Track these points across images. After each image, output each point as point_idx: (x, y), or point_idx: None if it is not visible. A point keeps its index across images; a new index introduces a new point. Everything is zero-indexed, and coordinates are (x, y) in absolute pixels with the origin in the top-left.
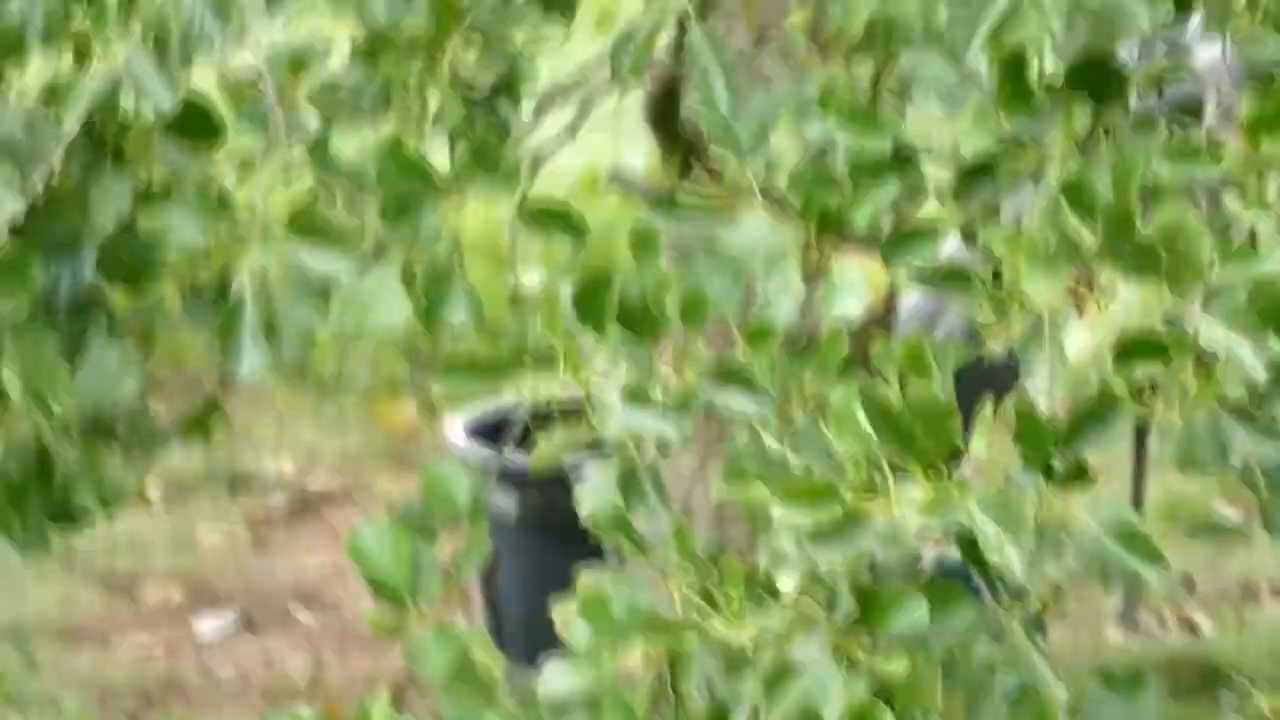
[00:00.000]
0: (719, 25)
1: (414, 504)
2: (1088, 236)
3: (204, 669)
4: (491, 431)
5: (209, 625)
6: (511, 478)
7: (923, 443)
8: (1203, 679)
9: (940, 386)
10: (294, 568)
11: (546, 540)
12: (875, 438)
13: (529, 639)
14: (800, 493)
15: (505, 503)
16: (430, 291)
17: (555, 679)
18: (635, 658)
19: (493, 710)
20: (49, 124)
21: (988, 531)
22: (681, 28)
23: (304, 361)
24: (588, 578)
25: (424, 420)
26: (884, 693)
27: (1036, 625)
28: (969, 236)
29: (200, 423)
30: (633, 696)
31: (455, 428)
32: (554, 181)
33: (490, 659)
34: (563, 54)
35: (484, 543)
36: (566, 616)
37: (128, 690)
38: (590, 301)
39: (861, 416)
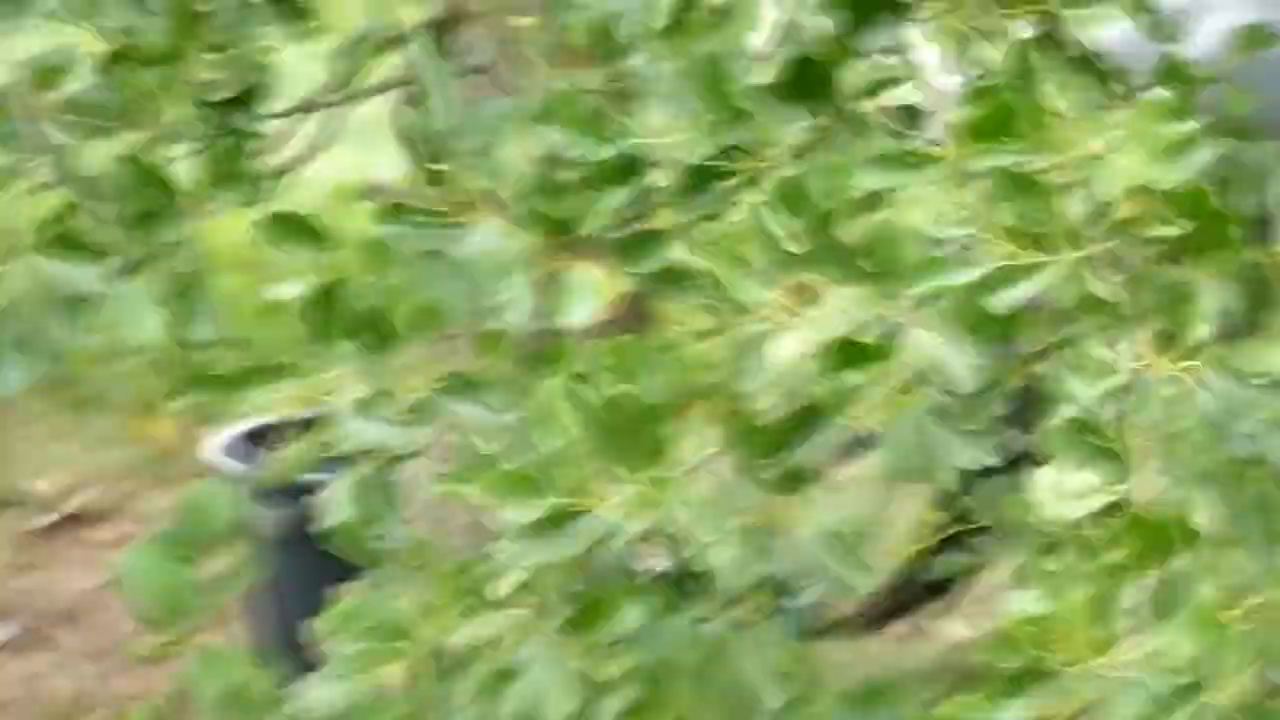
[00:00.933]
0: (467, 34)
1: (173, 525)
2: (796, 242)
3: None
4: (257, 445)
5: None
6: (271, 493)
7: (628, 443)
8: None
9: (648, 387)
10: (56, 587)
11: (306, 555)
12: (580, 437)
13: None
14: (506, 487)
15: (265, 518)
16: (176, 306)
17: (310, 695)
18: (395, 670)
19: None
20: None
21: (693, 533)
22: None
23: (60, 377)
24: (344, 592)
25: (185, 436)
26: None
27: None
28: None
29: None
30: (387, 710)
31: (219, 443)
32: (312, 193)
33: (260, 679)
34: (313, 63)
35: (245, 561)
36: (324, 631)
37: None
38: (319, 313)
39: (567, 415)
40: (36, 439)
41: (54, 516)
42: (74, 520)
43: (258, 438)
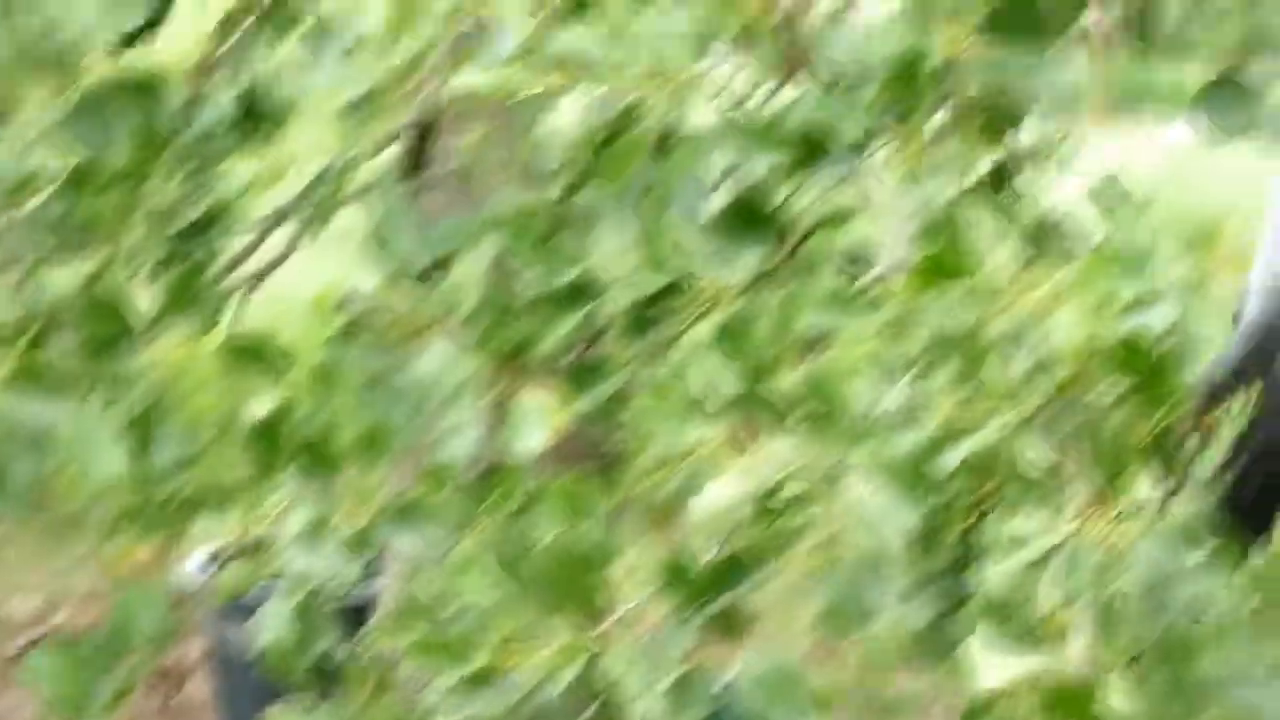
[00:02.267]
0: (440, 149)
1: (102, 630)
2: (734, 384)
3: None
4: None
5: None
6: (229, 611)
7: (562, 591)
8: None
9: (593, 529)
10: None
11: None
12: (510, 589)
13: None
14: (435, 649)
15: (237, 634)
16: (135, 435)
17: None
18: None
19: None
20: None
21: (626, 683)
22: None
23: (33, 503)
24: (272, 714)
25: (159, 556)
26: None
27: None
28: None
29: None
30: None
31: (191, 562)
32: (281, 305)
33: None
34: (278, 181)
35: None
36: None
37: None
38: (265, 439)
39: (494, 570)
40: (16, 563)
41: (28, 638)
42: (46, 639)
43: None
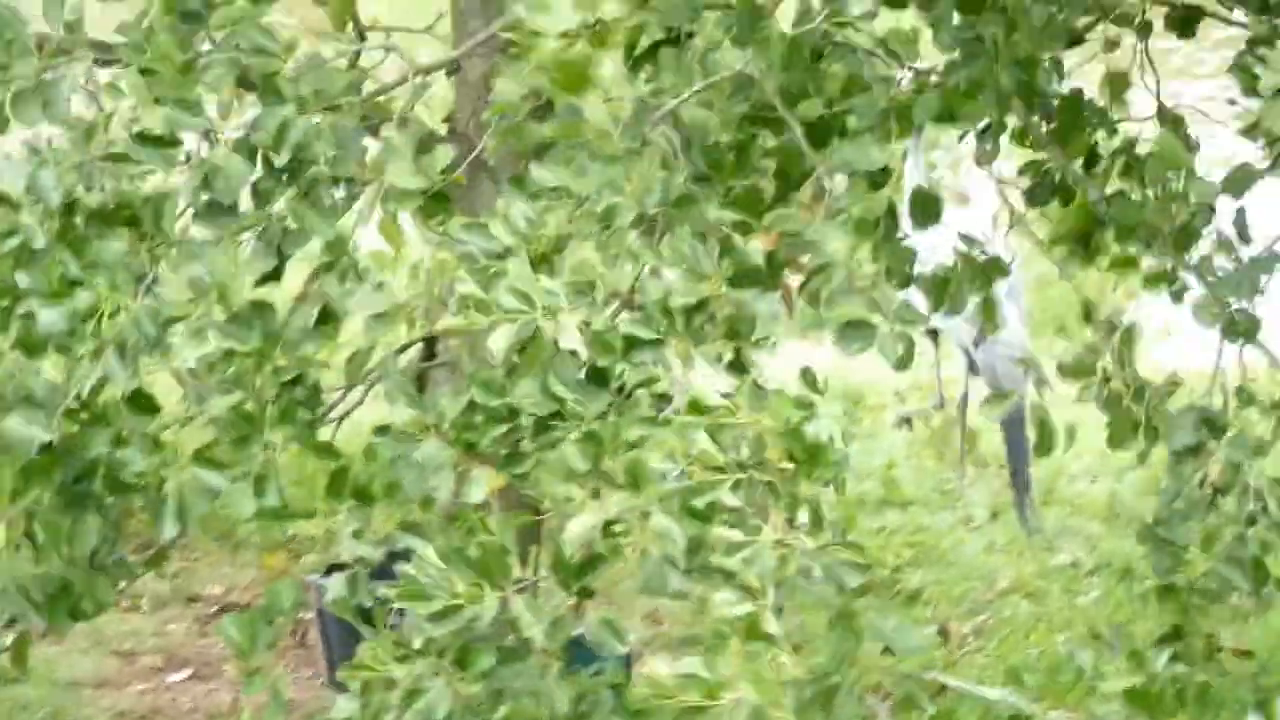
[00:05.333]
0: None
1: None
2: (589, 462)
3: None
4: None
5: (175, 677)
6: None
7: (490, 568)
8: None
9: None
10: (215, 647)
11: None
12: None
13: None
14: (416, 596)
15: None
16: (256, 490)
17: (340, 706)
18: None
19: None
20: (60, 393)
21: (523, 619)
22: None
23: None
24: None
25: (290, 560)
26: None
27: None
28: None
29: (155, 561)
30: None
31: (311, 568)
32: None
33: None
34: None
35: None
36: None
37: (132, 714)
38: (335, 487)
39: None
40: (209, 564)
41: (216, 608)
42: (228, 609)
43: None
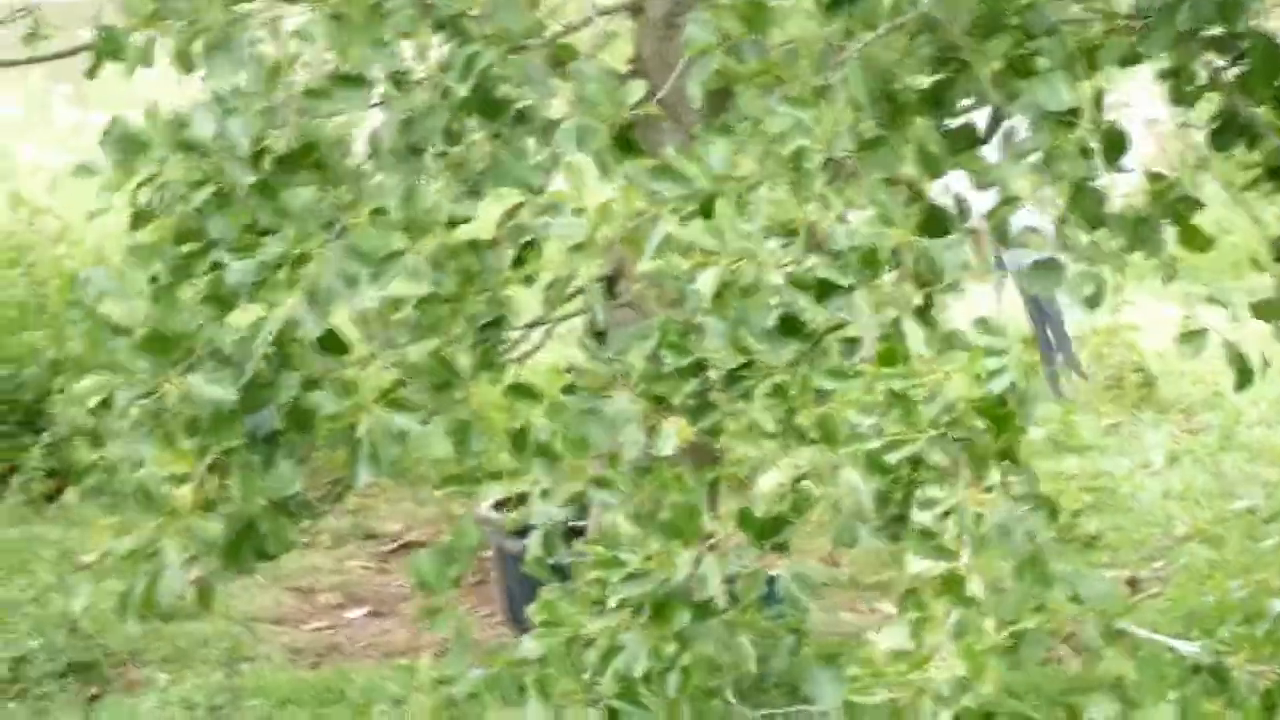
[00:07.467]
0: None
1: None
2: (779, 417)
3: (352, 640)
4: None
5: (353, 614)
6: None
7: (679, 527)
8: None
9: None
10: (393, 585)
11: None
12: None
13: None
14: (604, 563)
15: (516, 545)
16: (456, 436)
17: (526, 646)
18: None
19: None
20: (249, 344)
21: (711, 581)
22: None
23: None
24: (543, 592)
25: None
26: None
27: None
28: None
29: (335, 499)
30: (567, 661)
31: (486, 504)
32: (538, 370)
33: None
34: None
35: (469, 563)
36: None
37: (309, 650)
38: (522, 441)
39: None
40: (387, 501)
41: (394, 545)
42: (406, 546)
43: (504, 503)
